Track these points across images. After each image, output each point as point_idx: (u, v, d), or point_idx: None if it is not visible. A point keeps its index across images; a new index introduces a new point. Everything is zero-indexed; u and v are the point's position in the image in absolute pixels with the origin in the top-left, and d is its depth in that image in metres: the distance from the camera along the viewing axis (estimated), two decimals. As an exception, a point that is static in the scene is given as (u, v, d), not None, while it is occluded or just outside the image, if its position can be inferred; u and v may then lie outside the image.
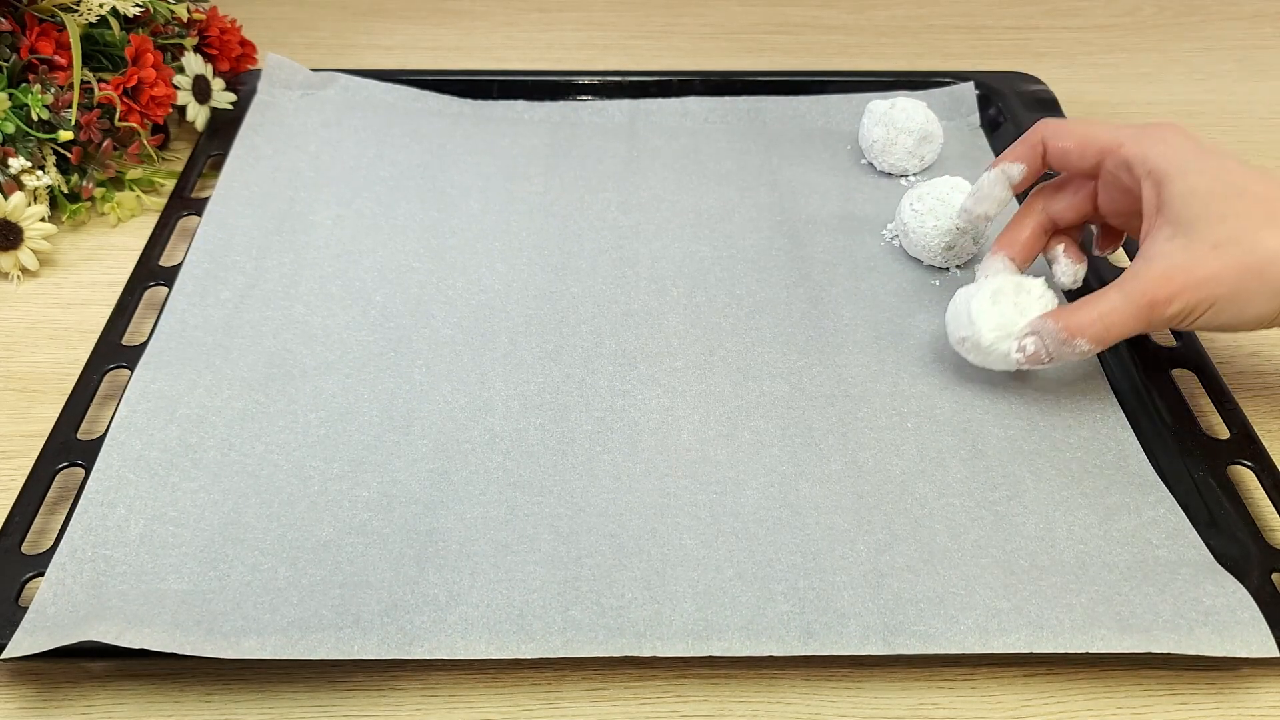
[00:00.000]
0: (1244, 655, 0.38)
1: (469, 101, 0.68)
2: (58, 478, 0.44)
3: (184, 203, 0.60)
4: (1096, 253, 0.53)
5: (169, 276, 0.54)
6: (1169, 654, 0.38)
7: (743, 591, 0.40)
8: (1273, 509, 0.44)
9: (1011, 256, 0.50)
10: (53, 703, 0.39)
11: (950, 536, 0.43)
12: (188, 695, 0.39)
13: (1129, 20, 0.84)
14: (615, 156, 0.64)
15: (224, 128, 0.65)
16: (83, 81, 0.60)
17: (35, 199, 0.58)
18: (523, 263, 0.56)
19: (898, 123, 0.62)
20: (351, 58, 0.77)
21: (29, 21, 0.61)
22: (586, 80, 0.69)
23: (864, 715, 0.39)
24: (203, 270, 0.55)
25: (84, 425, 0.46)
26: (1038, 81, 0.70)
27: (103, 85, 0.61)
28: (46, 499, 0.43)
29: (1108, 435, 0.47)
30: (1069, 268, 0.50)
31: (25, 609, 0.39)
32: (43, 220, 0.57)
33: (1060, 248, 0.51)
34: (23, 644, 0.37)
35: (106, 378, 0.49)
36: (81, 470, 0.44)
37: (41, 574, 0.40)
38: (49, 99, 0.59)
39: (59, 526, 0.42)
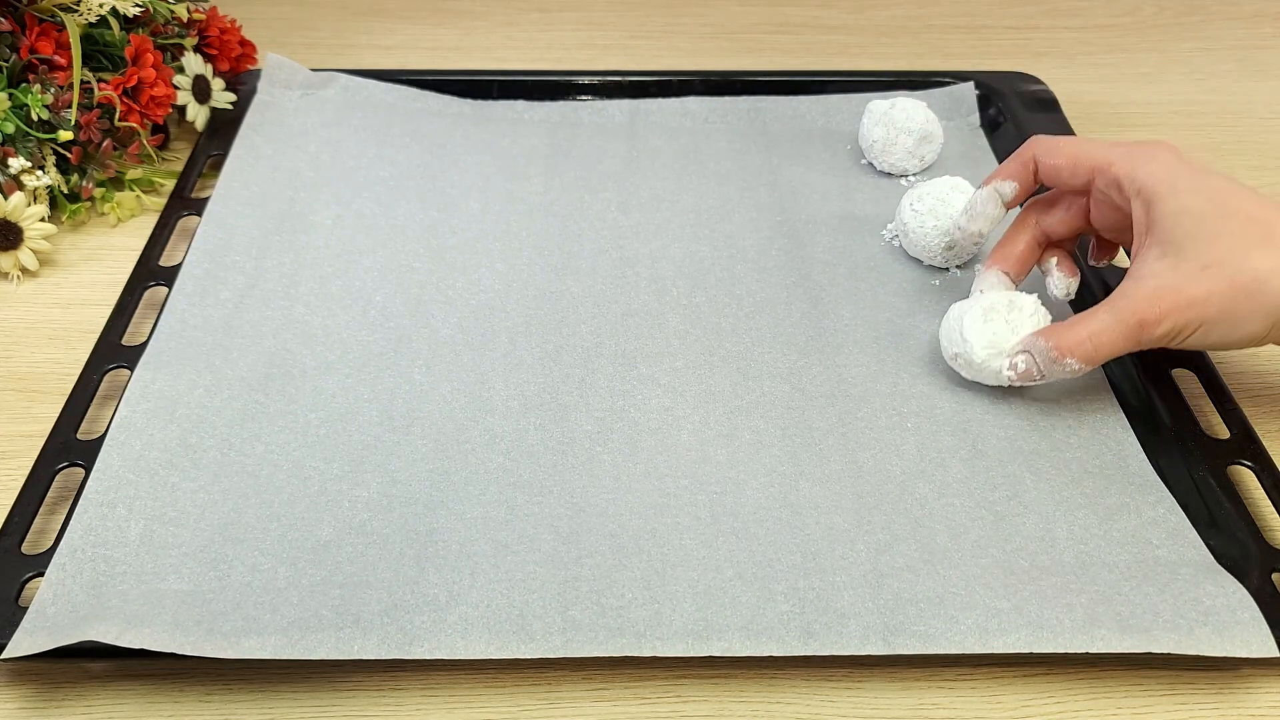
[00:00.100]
0: (1244, 655, 0.38)
1: (469, 101, 0.68)
2: (58, 478, 0.44)
3: (184, 203, 0.60)
4: (1092, 263, 0.53)
5: (169, 276, 0.54)
6: (1169, 654, 0.38)
7: (743, 591, 0.40)
8: (1273, 509, 0.44)
9: (1006, 270, 0.51)
10: (53, 703, 0.39)
11: (950, 536, 0.43)
12: (188, 695, 0.39)
13: (1129, 20, 0.84)
14: (615, 156, 0.64)
15: (224, 128, 0.65)
16: (83, 81, 0.60)
17: (35, 199, 0.58)
18: (523, 263, 0.56)
19: (898, 123, 0.62)
20: (351, 58, 0.77)
21: (29, 21, 0.61)
22: (586, 80, 0.69)
23: (864, 715, 0.39)
24: (203, 270, 0.55)
25: (84, 425, 0.46)
26: (1038, 81, 0.70)
27: (103, 85, 0.61)
28: (46, 499, 0.43)
29: (1108, 435, 0.47)
30: (1062, 281, 0.51)
31: (25, 609, 0.39)
32: (43, 220, 0.57)
33: (1054, 260, 0.51)
34: (23, 644, 0.37)
35: (106, 378, 0.49)
36: (81, 470, 0.44)
37: (41, 574, 0.40)
38: (49, 99, 0.59)
39: (59, 526, 0.42)
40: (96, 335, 0.51)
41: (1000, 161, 0.64)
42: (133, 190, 0.62)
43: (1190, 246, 0.43)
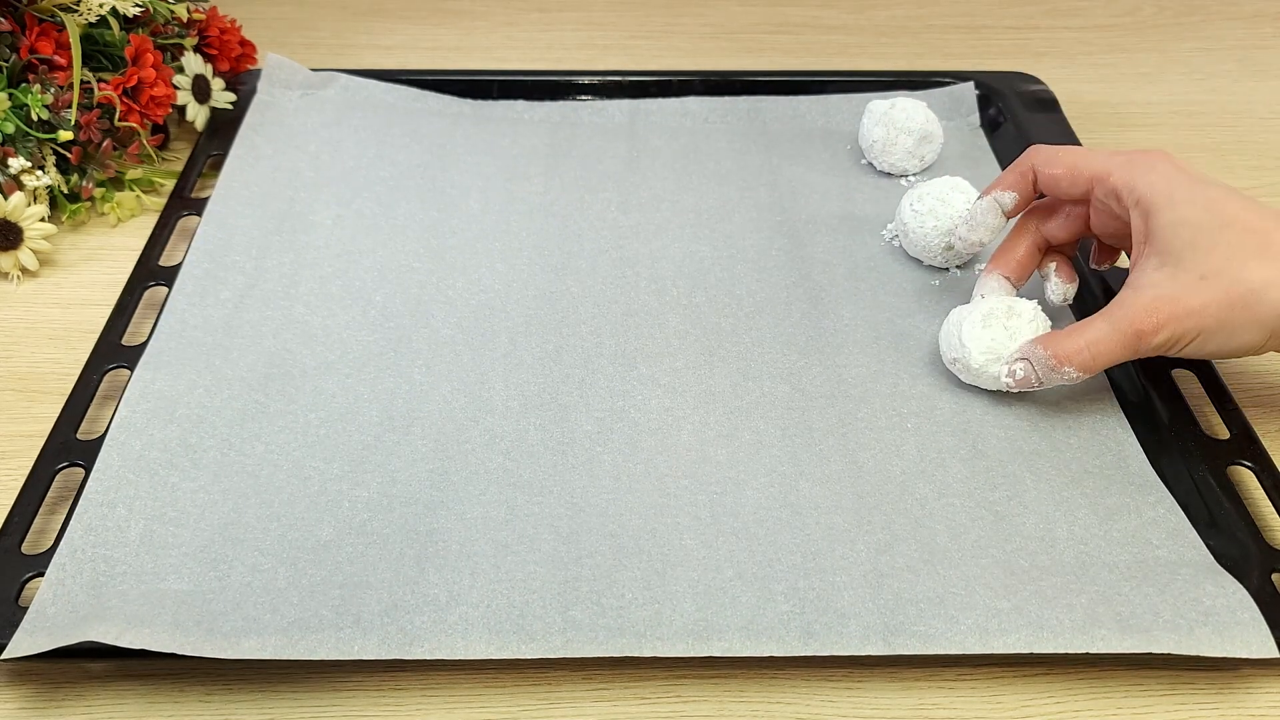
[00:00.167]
0: (1244, 655, 0.38)
1: (469, 101, 0.68)
2: (58, 478, 0.44)
3: (184, 203, 0.60)
4: (1093, 266, 0.53)
5: (169, 276, 0.54)
6: (1169, 654, 0.38)
7: (743, 591, 0.40)
8: (1273, 509, 0.44)
9: (1006, 275, 0.51)
10: (53, 703, 0.39)
11: (950, 537, 0.43)
12: (188, 695, 0.39)
13: (1129, 20, 0.84)
14: (615, 156, 0.64)
15: (224, 128, 0.65)
16: (83, 81, 0.60)
17: (35, 199, 0.58)
18: (523, 263, 0.56)
19: (898, 123, 0.62)
20: (351, 58, 0.77)
21: (29, 21, 0.61)
22: (586, 80, 0.69)
23: (864, 715, 0.39)
24: (203, 270, 0.55)
25: (84, 425, 0.46)
26: (1038, 81, 0.70)
27: (103, 85, 0.61)
28: (46, 499, 0.43)
29: (1108, 435, 0.47)
30: (1059, 287, 0.51)
31: (25, 609, 0.39)
32: (43, 220, 0.57)
33: (1053, 266, 0.51)
34: (23, 644, 0.37)
35: (106, 378, 0.49)
36: (81, 470, 0.44)
37: (41, 574, 0.40)
38: (49, 99, 0.59)
39: (59, 526, 0.42)
40: (96, 335, 0.51)
41: (1000, 162, 0.64)
42: (133, 190, 0.62)
43: (1188, 257, 0.43)
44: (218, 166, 0.62)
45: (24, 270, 0.57)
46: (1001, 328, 0.47)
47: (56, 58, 0.60)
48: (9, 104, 0.58)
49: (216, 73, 0.68)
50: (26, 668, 0.40)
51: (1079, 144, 0.64)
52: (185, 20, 0.67)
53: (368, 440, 0.46)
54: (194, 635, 0.37)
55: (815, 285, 0.55)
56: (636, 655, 0.38)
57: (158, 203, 0.62)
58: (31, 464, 0.44)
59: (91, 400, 0.48)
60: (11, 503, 0.43)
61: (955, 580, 0.40)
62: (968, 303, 0.51)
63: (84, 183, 0.61)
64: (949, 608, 0.39)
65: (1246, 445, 0.46)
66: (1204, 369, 0.50)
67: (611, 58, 0.78)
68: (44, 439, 0.46)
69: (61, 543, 0.41)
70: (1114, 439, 0.47)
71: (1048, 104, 0.68)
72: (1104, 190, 0.47)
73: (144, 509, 0.43)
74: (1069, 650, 0.38)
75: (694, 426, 0.47)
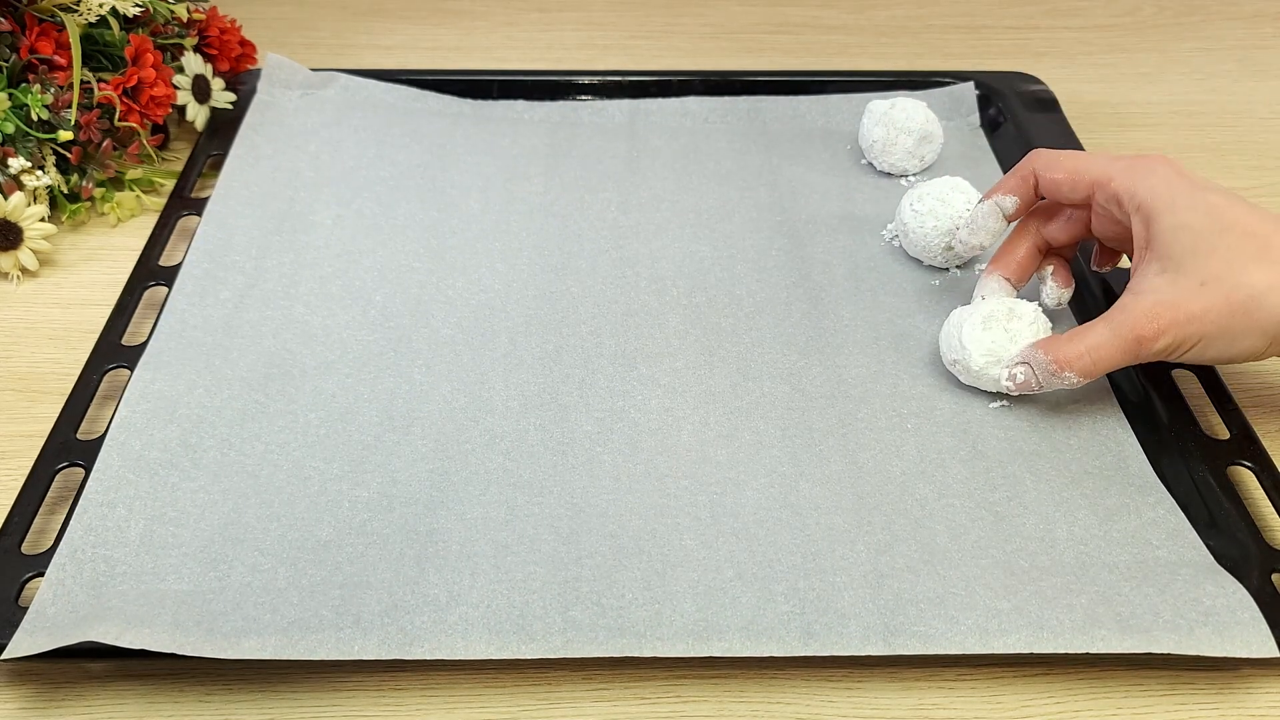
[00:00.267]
0: (1244, 655, 0.38)
1: (469, 101, 0.68)
2: (58, 478, 0.44)
3: (184, 203, 0.60)
4: (1095, 268, 0.53)
5: (169, 276, 0.54)
6: (1169, 654, 0.38)
7: (743, 592, 0.40)
8: (1273, 509, 0.44)
9: (1007, 276, 0.51)
10: (53, 703, 0.39)
11: (950, 537, 0.43)
12: (188, 695, 0.39)
13: (1129, 20, 0.84)
14: (615, 156, 0.64)
15: (224, 128, 0.65)
16: (83, 81, 0.60)
17: (35, 199, 0.58)
18: (523, 263, 0.56)
19: (898, 123, 0.62)
20: (351, 58, 0.77)
21: (29, 21, 0.61)
22: (586, 80, 0.69)
23: (864, 715, 0.39)
24: (202, 270, 0.55)
25: (84, 425, 0.46)
26: (1038, 81, 0.70)
27: (103, 85, 0.61)
28: (46, 499, 0.43)
29: (1108, 436, 0.47)
30: (1055, 291, 0.52)
31: (25, 609, 0.39)
32: (43, 220, 0.57)
33: (1050, 269, 0.52)
34: (23, 644, 0.37)
35: (106, 378, 0.49)
36: (81, 470, 0.44)
37: (41, 574, 0.40)
38: (49, 99, 0.59)
39: (59, 526, 0.42)
40: (96, 335, 0.51)
41: (1000, 162, 0.64)
42: (133, 190, 0.62)
43: (1188, 262, 0.43)
44: (218, 166, 0.62)
45: (24, 270, 0.57)
46: (1002, 330, 0.47)
47: (56, 58, 0.60)
48: (9, 104, 0.58)
49: (216, 73, 0.68)
50: (26, 668, 0.40)
51: (1079, 144, 0.64)
52: (185, 20, 0.67)
53: (368, 440, 0.46)
54: (194, 635, 0.37)
55: (815, 285, 0.55)
56: (636, 655, 0.38)
57: (158, 203, 0.62)
58: (31, 464, 0.44)
59: (91, 400, 0.48)
60: (11, 503, 0.43)
61: (955, 580, 0.40)
62: (968, 303, 0.51)
63: (84, 183, 0.61)
64: (949, 608, 0.39)
65: (1246, 445, 0.46)
66: (1204, 369, 0.50)
67: (611, 58, 0.78)
68: (44, 439, 0.46)
69: (61, 543, 0.41)
70: (1114, 439, 0.47)
71: (1048, 104, 0.68)
72: (1105, 195, 0.47)
73: (144, 509, 0.43)
74: (1069, 650, 0.38)
75: (694, 427, 0.47)
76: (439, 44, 0.80)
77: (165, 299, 0.53)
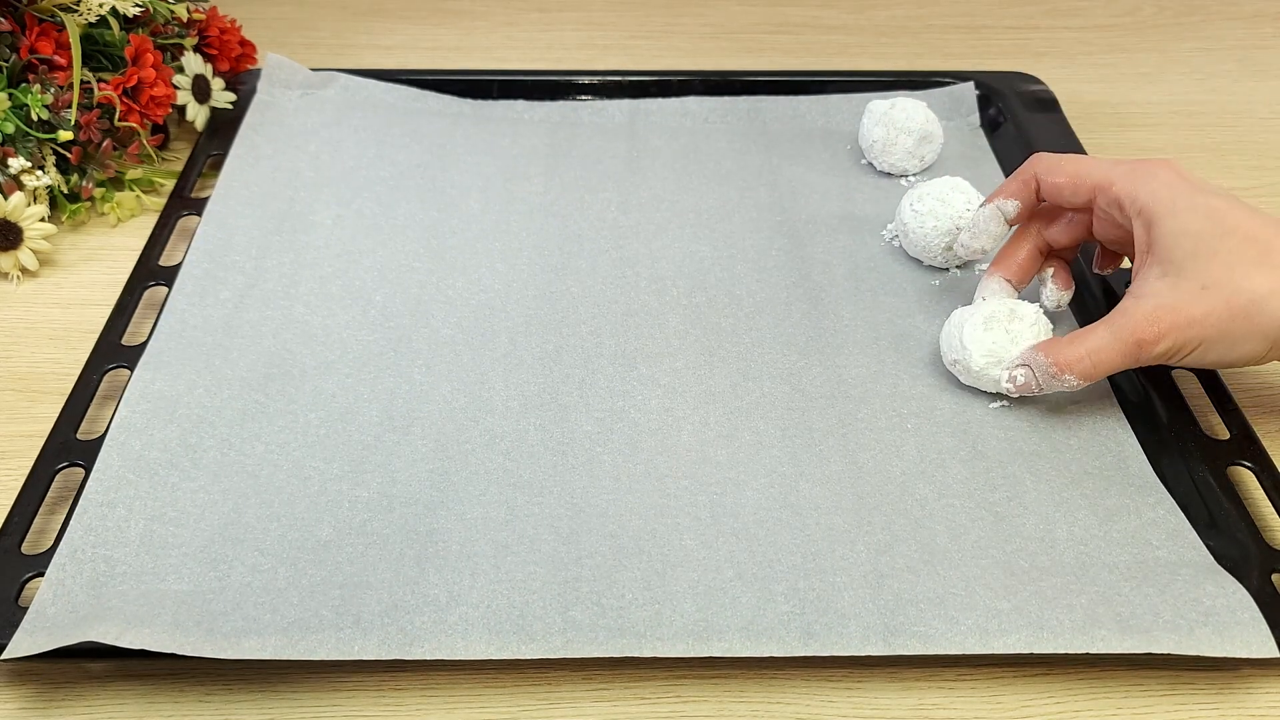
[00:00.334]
0: (1244, 656, 0.38)
1: (469, 101, 0.68)
2: (58, 478, 0.44)
3: (184, 203, 0.60)
4: (1096, 271, 0.53)
5: (169, 276, 0.54)
6: (1169, 654, 0.38)
7: (743, 592, 0.40)
8: (1273, 509, 0.44)
9: (1008, 278, 0.51)
10: (53, 703, 0.39)
11: (950, 537, 0.43)
12: (188, 695, 0.39)
13: (1129, 20, 0.84)
14: (615, 156, 0.64)
15: (224, 128, 0.65)
16: (83, 81, 0.60)
17: (35, 199, 0.58)
18: (523, 263, 0.56)
19: (898, 123, 0.62)
20: (351, 58, 0.77)
21: (29, 21, 0.61)
22: (586, 80, 0.69)
23: (864, 715, 0.39)
24: (202, 270, 0.55)
25: (84, 425, 0.46)
26: (1038, 81, 0.70)
27: (103, 85, 0.61)
28: (46, 499, 0.43)
29: (1108, 436, 0.47)
30: (1054, 293, 0.52)
31: (25, 609, 0.39)
32: (43, 220, 0.57)
33: (1050, 272, 0.52)
34: (23, 644, 0.37)
35: (106, 378, 0.49)
36: (81, 470, 0.44)
37: (41, 574, 0.40)
38: (49, 99, 0.59)
39: (59, 526, 0.42)
40: (96, 335, 0.51)
41: (1000, 162, 0.64)
42: (133, 190, 0.62)
43: (1190, 266, 0.43)
44: (218, 166, 0.62)
45: (24, 270, 0.57)
46: (1003, 331, 0.47)
47: (56, 58, 0.60)
48: (9, 104, 0.58)
49: (216, 73, 0.68)
50: (26, 668, 0.40)
51: (1079, 144, 0.64)
52: (185, 20, 0.67)
53: (368, 440, 0.46)
54: (194, 635, 0.37)
55: (815, 285, 0.55)
56: (637, 655, 0.38)
57: (158, 203, 0.62)
58: (31, 464, 0.44)
59: (91, 400, 0.48)
60: (11, 503, 0.43)
61: (955, 581, 0.40)
62: (968, 303, 0.51)
63: (84, 183, 0.61)
64: (949, 608, 0.39)
65: (1246, 445, 0.46)
66: (1204, 370, 0.50)
67: (611, 58, 0.78)
68: (44, 439, 0.46)
69: (61, 543, 0.41)
70: (1114, 440, 0.47)
71: (1048, 104, 0.68)
72: (1106, 199, 0.47)
73: (144, 509, 0.43)
74: (1069, 650, 0.38)
75: (694, 427, 0.47)
76: (439, 44, 0.80)
77: (165, 299, 0.53)
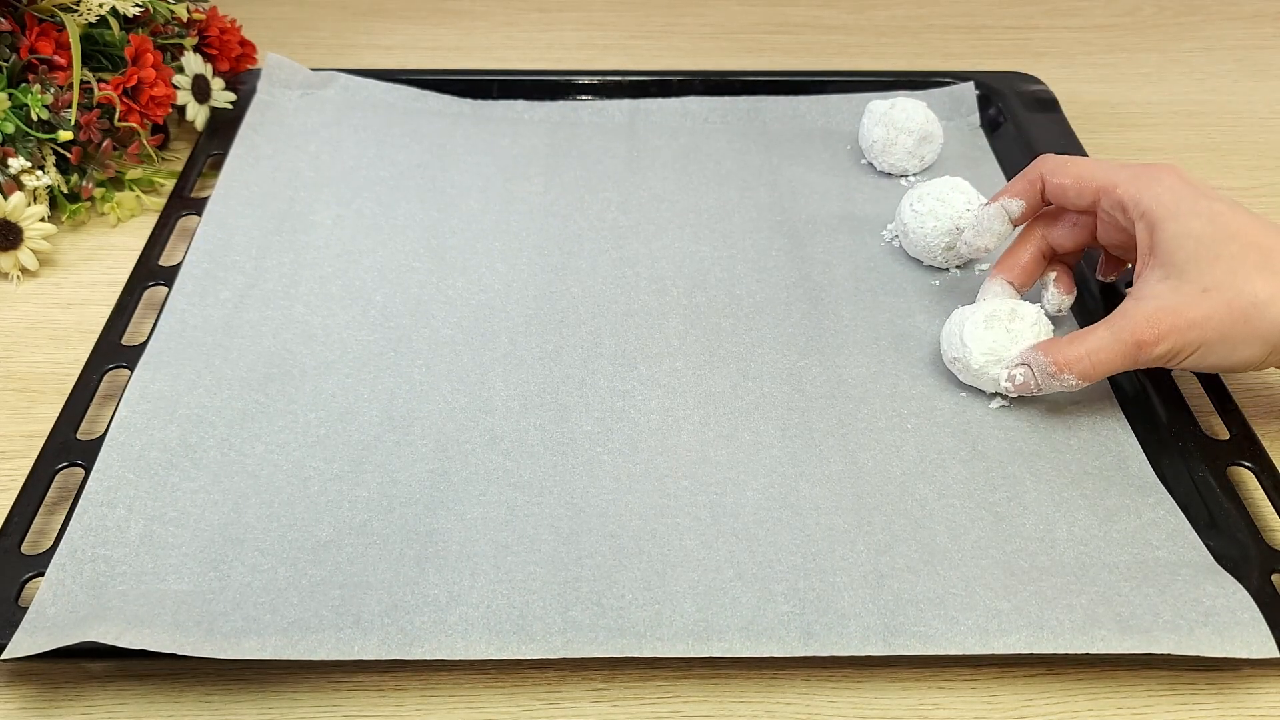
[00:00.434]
0: (1244, 656, 0.38)
1: (469, 101, 0.68)
2: (58, 478, 0.44)
3: (184, 203, 0.60)
4: (1099, 278, 0.54)
5: (169, 276, 0.54)
6: (1169, 655, 0.38)
7: (743, 592, 0.40)
8: (1273, 509, 0.44)
9: (1010, 280, 0.51)
10: (53, 703, 0.39)
11: (950, 537, 0.43)
12: (188, 695, 0.39)
13: (1129, 20, 0.84)
14: (615, 156, 0.64)
15: (224, 127, 0.65)
16: (83, 81, 0.60)
17: (35, 199, 0.58)
18: (523, 263, 0.56)
19: (898, 123, 0.62)
20: (351, 58, 0.77)
21: (29, 21, 0.61)
22: (586, 80, 0.69)
23: (864, 715, 0.39)
24: (202, 270, 0.54)
25: (84, 425, 0.46)
26: (1038, 81, 0.70)
27: (102, 85, 0.61)
28: (46, 499, 0.43)
29: (1107, 436, 0.47)
30: (1056, 297, 0.52)
31: (25, 609, 0.39)
32: (43, 220, 0.57)
33: (1052, 275, 0.52)
34: (23, 644, 0.37)
35: (106, 378, 0.49)
36: (81, 470, 0.44)
37: (41, 574, 0.40)
38: (49, 99, 0.59)
39: (59, 526, 0.42)
40: (96, 335, 0.51)
41: (1000, 162, 0.64)
42: (133, 190, 0.62)
43: (1191, 269, 0.43)
44: (218, 166, 0.62)
45: (24, 270, 0.57)
46: (1004, 330, 0.47)
47: (56, 58, 0.60)
48: (9, 104, 0.58)
49: (216, 73, 0.68)
50: (26, 668, 0.40)
51: (1079, 144, 0.64)
52: (185, 20, 0.67)
53: (368, 440, 0.46)
54: (194, 635, 0.37)
55: (815, 285, 0.55)
56: (637, 656, 0.38)
57: (158, 203, 0.62)
58: (31, 464, 0.44)
59: (91, 400, 0.48)
60: (11, 503, 0.43)
61: (955, 581, 0.40)
62: (967, 303, 0.51)
63: (84, 183, 0.61)
64: (949, 608, 0.39)
65: (1246, 446, 0.46)
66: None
67: (611, 58, 0.78)
68: (44, 439, 0.46)
69: (61, 543, 0.41)
70: (1114, 440, 0.47)
71: (1048, 104, 0.68)
72: (1110, 202, 0.47)
73: (144, 509, 0.43)
74: (1069, 651, 0.38)
75: (694, 427, 0.47)
76: (439, 44, 0.80)
77: (165, 299, 0.53)
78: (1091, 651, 0.38)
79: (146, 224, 0.60)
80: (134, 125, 0.62)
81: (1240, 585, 0.40)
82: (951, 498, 0.44)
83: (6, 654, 0.37)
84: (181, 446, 0.46)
